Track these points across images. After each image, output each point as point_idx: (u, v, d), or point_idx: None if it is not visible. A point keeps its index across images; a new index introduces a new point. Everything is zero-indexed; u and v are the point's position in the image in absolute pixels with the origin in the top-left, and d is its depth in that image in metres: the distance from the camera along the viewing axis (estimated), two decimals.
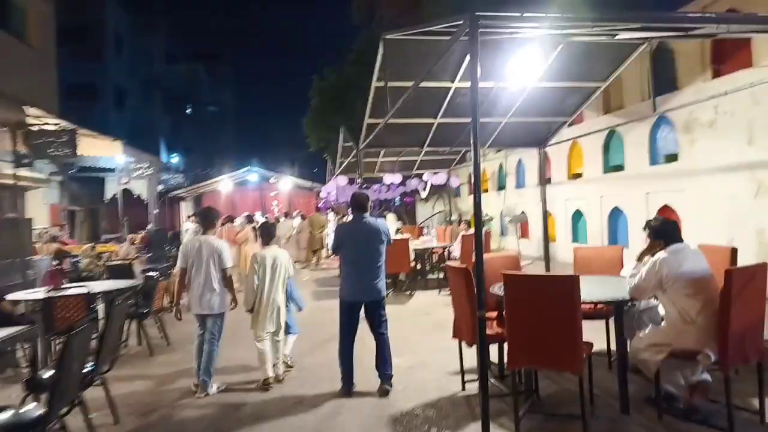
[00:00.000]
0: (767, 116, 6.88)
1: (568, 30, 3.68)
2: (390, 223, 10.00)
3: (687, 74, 8.44)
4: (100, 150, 10.74)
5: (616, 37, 3.99)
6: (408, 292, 9.05)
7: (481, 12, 2.88)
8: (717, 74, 7.96)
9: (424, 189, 14.03)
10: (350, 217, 4.75)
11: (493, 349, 4.07)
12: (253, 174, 20.55)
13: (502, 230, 15.08)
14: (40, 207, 15.24)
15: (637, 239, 9.39)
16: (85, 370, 3.48)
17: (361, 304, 4.34)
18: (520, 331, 3.30)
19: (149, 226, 16.71)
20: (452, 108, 6.81)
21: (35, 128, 8.89)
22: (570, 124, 7.98)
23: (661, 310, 3.69)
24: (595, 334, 4.06)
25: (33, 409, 2.99)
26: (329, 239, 15.03)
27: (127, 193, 17.50)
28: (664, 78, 8.74)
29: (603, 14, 3.59)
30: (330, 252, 13.26)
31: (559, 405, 3.81)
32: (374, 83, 6.11)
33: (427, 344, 5.67)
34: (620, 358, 3.61)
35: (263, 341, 4.54)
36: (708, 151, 7.86)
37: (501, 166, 15.34)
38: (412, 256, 9.13)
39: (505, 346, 3.52)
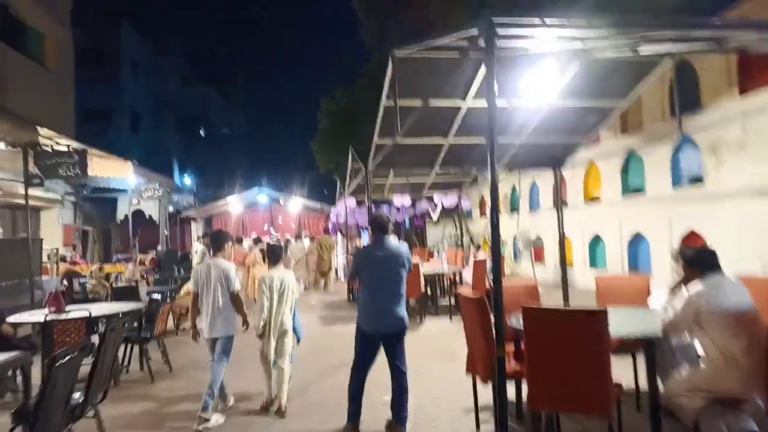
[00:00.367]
0: None
1: (589, 38, 3.36)
2: None
3: (711, 91, 8.12)
4: (112, 170, 10.71)
5: (640, 50, 3.70)
6: (418, 319, 8.72)
7: (497, 18, 2.65)
8: (744, 90, 7.64)
9: (434, 210, 13.75)
10: (363, 240, 4.51)
11: (510, 386, 3.73)
12: (262, 195, 20.49)
13: (515, 254, 14.69)
14: (55, 227, 15.31)
15: (660, 265, 8.97)
16: (74, 401, 3.26)
17: (381, 337, 3.98)
18: (542, 370, 2.99)
19: (159, 247, 16.67)
20: (464, 127, 6.59)
21: (47, 148, 8.88)
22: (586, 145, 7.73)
23: (698, 347, 3.34)
24: (622, 371, 3.71)
25: None
26: (338, 261, 14.75)
27: (138, 213, 17.56)
28: (686, 95, 8.41)
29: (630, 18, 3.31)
30: (345, 278, 12.92)
31: None
32: (383, 102, 5.93)
33: (439, 377, 5.34)
34: (652, 400, 3.26)
35: (274, 363, 4.45)
36: (737, 172, 7.50)
37: (514, 188, 15.04)
38: (422, 280, 8.81)
39: (524, 383, 3.20)
